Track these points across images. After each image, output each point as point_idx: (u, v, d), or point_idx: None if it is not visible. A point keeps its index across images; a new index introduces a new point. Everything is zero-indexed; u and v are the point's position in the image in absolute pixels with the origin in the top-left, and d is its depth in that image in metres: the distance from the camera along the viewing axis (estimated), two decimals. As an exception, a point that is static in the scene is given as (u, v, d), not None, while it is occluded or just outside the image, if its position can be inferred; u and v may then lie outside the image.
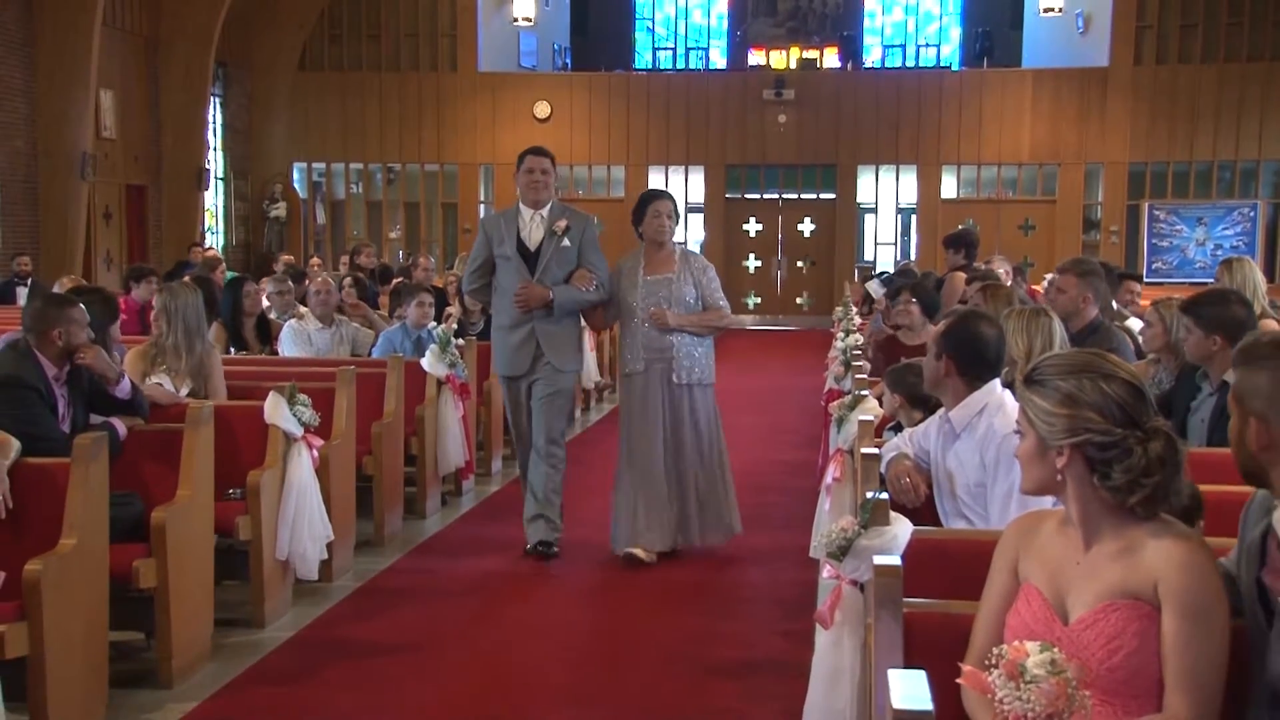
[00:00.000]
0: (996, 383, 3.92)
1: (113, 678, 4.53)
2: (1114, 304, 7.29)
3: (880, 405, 5.31)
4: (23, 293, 12.83)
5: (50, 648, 4.05)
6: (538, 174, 6.56)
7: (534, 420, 6.60)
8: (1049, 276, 6.21)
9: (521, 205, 6.58)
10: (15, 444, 4.39)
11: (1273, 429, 2.39)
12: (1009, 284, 7.36)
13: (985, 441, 3.77)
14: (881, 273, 14.60)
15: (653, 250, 6.65)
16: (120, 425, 5.10)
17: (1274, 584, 2.43)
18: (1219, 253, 21.79)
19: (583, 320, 6.90)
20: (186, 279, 8.23)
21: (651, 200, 6.69)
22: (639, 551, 6.44)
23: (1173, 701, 2.39)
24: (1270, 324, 6.06)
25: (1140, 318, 6.83)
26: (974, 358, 3.89)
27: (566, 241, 6.49)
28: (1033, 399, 2.55)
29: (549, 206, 6.60)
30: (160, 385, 5.85)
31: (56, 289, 7.64)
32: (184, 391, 6.04)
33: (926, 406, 4.43)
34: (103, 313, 5.61)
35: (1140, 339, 6.13)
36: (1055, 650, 2.33)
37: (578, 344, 6.80)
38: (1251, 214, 22.27)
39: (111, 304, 6.05)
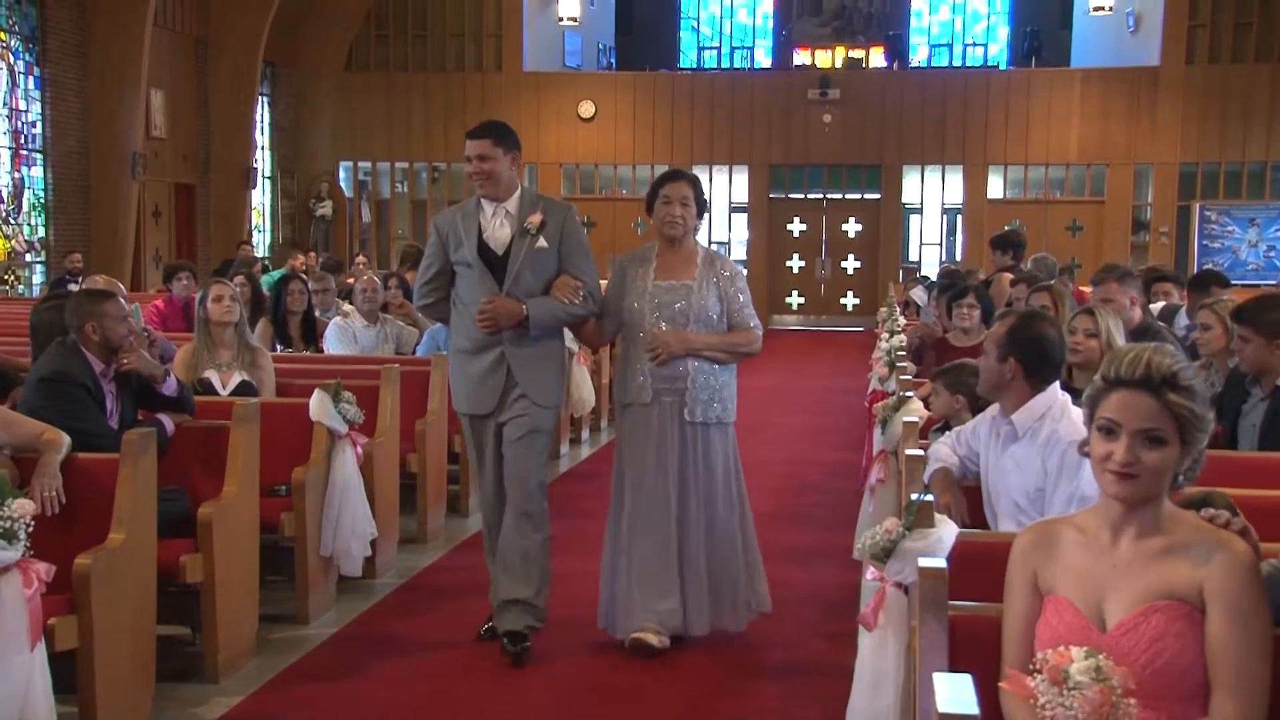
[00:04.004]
0: (1057, 385, 3.89)
1: (159, 671, 4.57)
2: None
3: (926, 407, 5.28)
4: (75, 290, 13.00)
5: (99, 640, 4.09)
6: (475, 162, 5.07)
7: (506, 470, 5.13)
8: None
9: (482, 199, 5.17)
10: (66, 440, 4.44)
11: None
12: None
13: (1049, 447, 3.72)
14: (924, 277, 14.56)
15: (666, 248, 5.24)
16: (168, 421, 5.15)
17: None
18: (1272, 254, 21.48)
19: (570, 339, 5.38)
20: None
21: (664, 183, 5.26)
22: (649, 636, 5.08)
23: (1221, 704, 2.36)
24: None
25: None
26: (1040, 359, 3.85)
27: (542, 241, 5.06)
28: (1187, 404, 2.45)
29: (516, 197, 5.13)
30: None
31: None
32: (234, 382, 6.11)
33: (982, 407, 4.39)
34: None
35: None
36: (1100, 657, 2.31)
37: (559, 371, 5.33)
38: (1306, 216, 21.94)
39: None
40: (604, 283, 5.36)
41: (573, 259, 5.14)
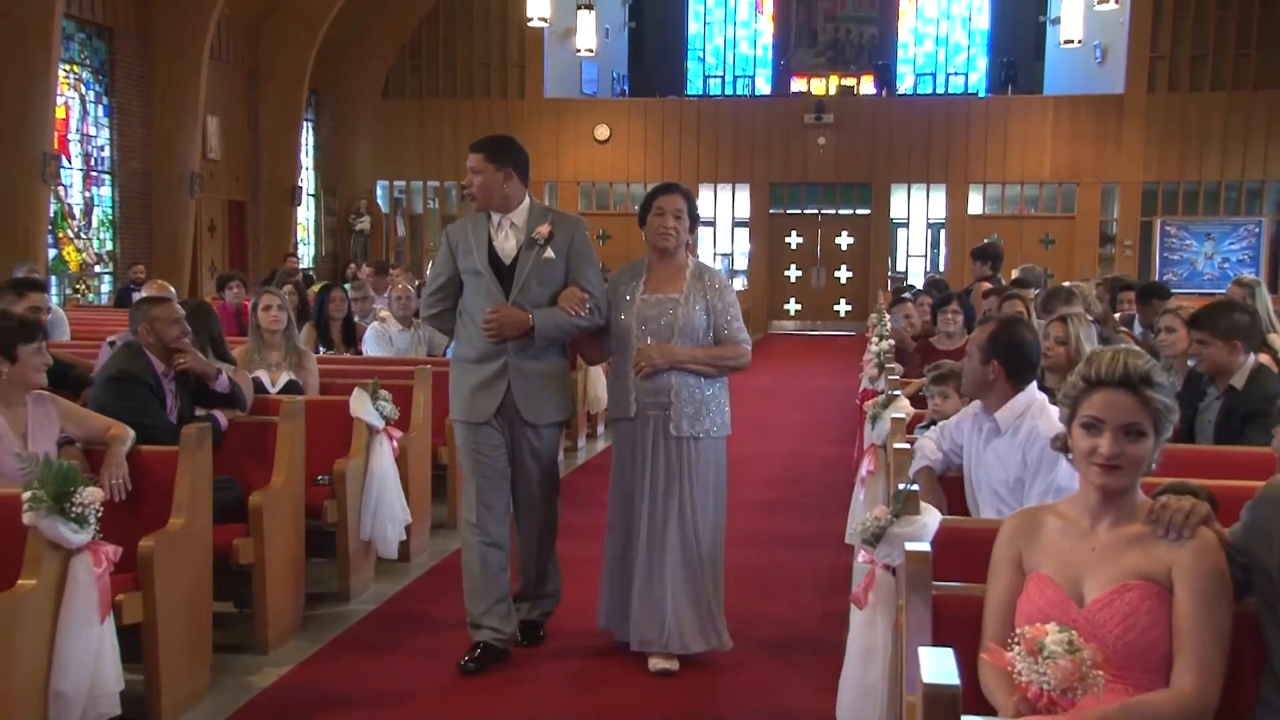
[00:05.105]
0: (1035, 385, 3.88)
1: (215, 644, 4.59)
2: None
3: (913, 404, 5.27)
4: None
5: (161, 615, 4.12)
6: (470, 176, 4.72)
7: (517, 496, 4.82)
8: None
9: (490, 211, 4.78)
10: (131, 433, 4.47)
11: None
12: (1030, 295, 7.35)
13: (1029, 442, 3.71)
14: (909, 285, 14.66)
15: (657, 261, 4.77)
16: (222, 417, 5.18)
17: None
18: (1226, 266, 21.46)
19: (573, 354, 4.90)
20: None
21: (658, 195, 4.81)
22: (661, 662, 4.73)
23: (1181, 678, 2.36)
24: (1275, 339, 5.98)
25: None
26: (1020, 361, 3.85)
27: (550, 252, 4.66)
28: (1162, 399, 2.47)
29: (524, 210, 4.73)
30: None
31: (145, 292, 7.62)
32: (282, 381, 6.14)
33: None
34: (203, 320, 5.56)
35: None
36: (1073, 632, 2.31)
37: (562, 390, 4.80)
38: (1256, 230, 21.90)
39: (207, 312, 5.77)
40: None
41: (581, 271, 4.71)
